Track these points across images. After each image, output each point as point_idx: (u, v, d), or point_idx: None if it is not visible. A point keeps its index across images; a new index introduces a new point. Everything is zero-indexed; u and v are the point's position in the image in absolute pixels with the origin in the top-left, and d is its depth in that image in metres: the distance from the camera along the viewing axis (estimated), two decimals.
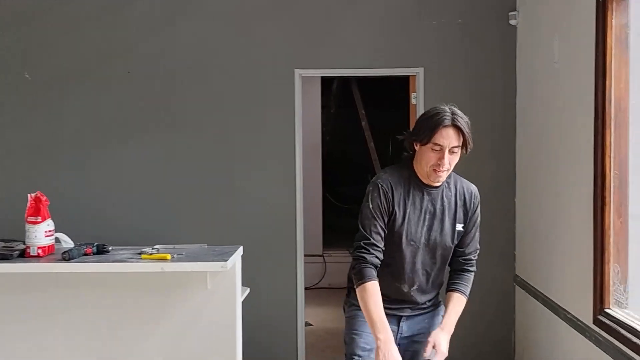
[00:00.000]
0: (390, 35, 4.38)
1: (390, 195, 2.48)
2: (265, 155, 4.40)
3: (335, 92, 7.23)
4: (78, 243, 3.27)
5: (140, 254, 3.03)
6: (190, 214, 4.38)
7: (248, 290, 3.29)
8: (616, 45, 2.94)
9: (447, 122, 2.40)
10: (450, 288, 2.65)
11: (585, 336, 3.21)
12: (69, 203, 4.17)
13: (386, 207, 2.47)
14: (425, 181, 2.52)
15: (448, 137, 2.40)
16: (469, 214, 2.60)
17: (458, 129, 2.41)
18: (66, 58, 4.38)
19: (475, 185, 2.66)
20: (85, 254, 3.13)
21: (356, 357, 2.55)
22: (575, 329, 3.36)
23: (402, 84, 7.17)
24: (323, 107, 6.85)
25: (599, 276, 3.06)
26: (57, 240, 3.29)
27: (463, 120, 2.43)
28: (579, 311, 3.31)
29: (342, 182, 8.59)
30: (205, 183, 4.39)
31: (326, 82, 6.74)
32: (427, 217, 2.53)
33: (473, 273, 2.69)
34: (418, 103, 4.37)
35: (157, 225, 4.25)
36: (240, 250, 3.14)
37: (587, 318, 3.19)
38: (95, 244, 3.20)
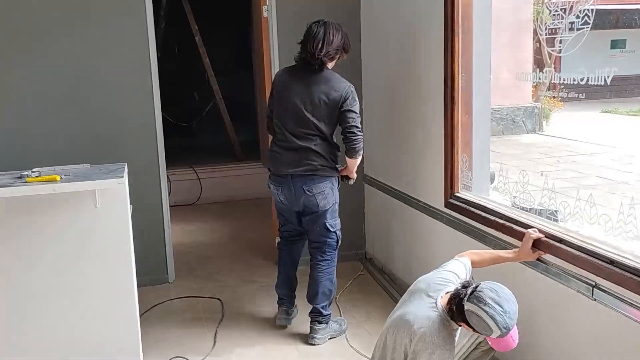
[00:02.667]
0: None
1: None
2: (120, 69, 4.28)
3: (164, 6, 6.99)
4: None
5: (20, 177, 2.89)
6: (47, 138, 4.18)
7: (131, 208, 3.29)
8: None
9: None
10: None
11: (438, 219, 3.73)
12: None
13: None
14: None
15: None
16: None
17: None
18: None
19: None
20: None
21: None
22: (427, 214, 3.86)
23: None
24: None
25: (450, 165, 3.54)
26: None
27: None
28: (431, 198, 3.81)
29: (176, 100, 8.44)
30: (60, 102, 4.19)
31: None
32: None
33: None
34: (270, 15, 4.47)
35: (10, 152, 4.01)
36: (126, 168, 3.13)
37: (439, 203, 3.69)
38: None
